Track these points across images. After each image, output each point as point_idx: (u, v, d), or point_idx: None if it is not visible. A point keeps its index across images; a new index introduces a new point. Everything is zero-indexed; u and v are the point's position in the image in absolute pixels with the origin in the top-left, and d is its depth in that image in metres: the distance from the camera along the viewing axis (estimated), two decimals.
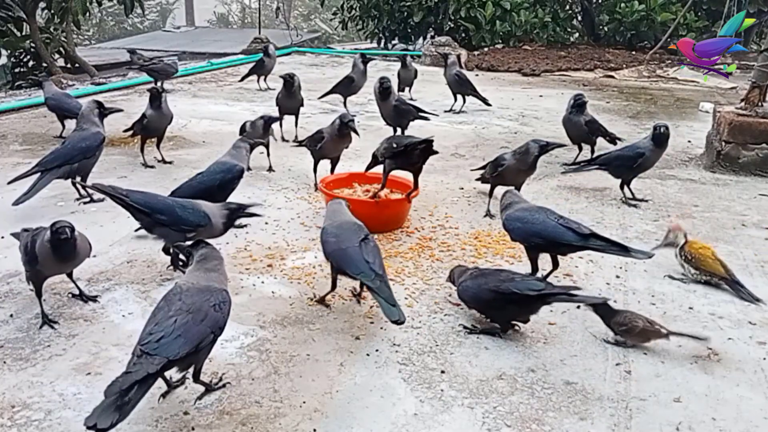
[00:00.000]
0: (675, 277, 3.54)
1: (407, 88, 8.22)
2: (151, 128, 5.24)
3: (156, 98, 5.13)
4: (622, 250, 3.05)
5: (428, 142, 3.89)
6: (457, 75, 7.45)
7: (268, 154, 5.21)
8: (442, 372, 2.64)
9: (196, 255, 2.59)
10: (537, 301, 2.82)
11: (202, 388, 2.44)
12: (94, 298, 3.14)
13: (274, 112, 6.21)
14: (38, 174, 4.14)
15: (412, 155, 3.95)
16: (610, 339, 2.89)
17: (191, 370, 2.36)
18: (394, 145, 4.01)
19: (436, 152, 4.01)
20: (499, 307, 2.88)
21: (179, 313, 2.28)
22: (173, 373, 2.36)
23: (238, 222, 3.43)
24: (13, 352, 2.69)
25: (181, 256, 3.28)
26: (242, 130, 5.19)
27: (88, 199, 4.41)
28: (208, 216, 3.17)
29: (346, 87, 7.39)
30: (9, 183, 4.27)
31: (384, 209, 4.09)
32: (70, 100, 5.95)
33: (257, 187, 4.88)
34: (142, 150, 5.28)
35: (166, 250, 3.39)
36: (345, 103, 7.46)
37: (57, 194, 4.56)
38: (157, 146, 5.34)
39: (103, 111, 4.49)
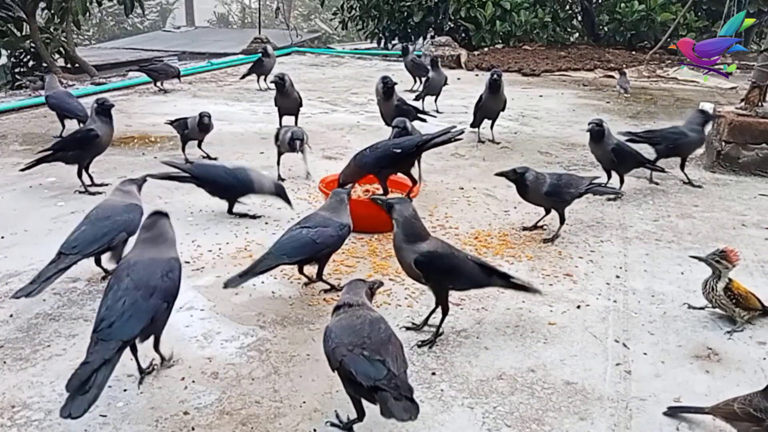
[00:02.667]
0: (695, 306, 3.20)
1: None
2: (192, 138, 5.44)
3: (205, 123, 5.30)
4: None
5: (451, 133, 3.86)
6: (412, 61, 8.90)
7: (305, 162, 5.12)
8: (437, 373, 2.64)
9: (143, 223, 2.66)
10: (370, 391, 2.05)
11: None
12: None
13: (274, 113, 6.23)
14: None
15: (411, 157, 3.92)
16: None
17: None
18: (398, 151, 3.88)
19: (459, 139, 4.06)
20: (345, 382, 2.18)
21: (127, 292, 2.34)
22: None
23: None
24: (13, 352, 2.70)
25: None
26: (276, 137, 5.09)
27: (82, 190, 4.57)
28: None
29: (477, 108, 6.28)
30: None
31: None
32: (71, 100, 5.89)
33: None
34: (182, 149, 5.43)
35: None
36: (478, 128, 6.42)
37: (56, 194, 4.57)
38: (199, 145, 5.49)
39: (106, 107, 4.60)
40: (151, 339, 2.49)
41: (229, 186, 4.15)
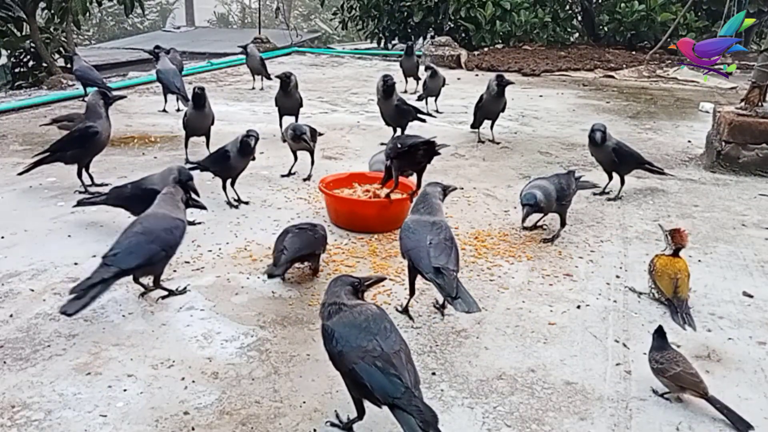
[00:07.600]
0: (636, 289, 3.36)
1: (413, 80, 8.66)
2: (193, 127, 5.35)
3: (199, 98, 5.24)
4: (450, 296, 2.74)
5: (431, 143, 3.93)
6: (417, 62, 8.97)
7: (312, 162, 5.08)
8: (437, 373, 2.64)
9: (163, 190, 3.22)
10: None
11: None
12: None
13: (274, 113, 6.23)
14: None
15: (415, 155, 3.97)
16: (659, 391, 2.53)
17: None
18: (399, 145, 4.01)
19: (438, 153, 4.04)
20: (353, 387, 2.17)
21: (135, 234, 2.96)
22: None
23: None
24: (13, 352, 2.69)
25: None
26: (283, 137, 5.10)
27: (82, 190, 4.53)
28: None
29: (478, 108, 6.36)
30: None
31: (385, 209, 4.08)
32: (93, 72, 7.49)
33: (257, 187, 4.88)
34: (185, 146, 5.41)
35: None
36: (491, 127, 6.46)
37: (56, 194, 4.57)
38: (207, 145, 5.36)
39: (107, 101, 4.61)
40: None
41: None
